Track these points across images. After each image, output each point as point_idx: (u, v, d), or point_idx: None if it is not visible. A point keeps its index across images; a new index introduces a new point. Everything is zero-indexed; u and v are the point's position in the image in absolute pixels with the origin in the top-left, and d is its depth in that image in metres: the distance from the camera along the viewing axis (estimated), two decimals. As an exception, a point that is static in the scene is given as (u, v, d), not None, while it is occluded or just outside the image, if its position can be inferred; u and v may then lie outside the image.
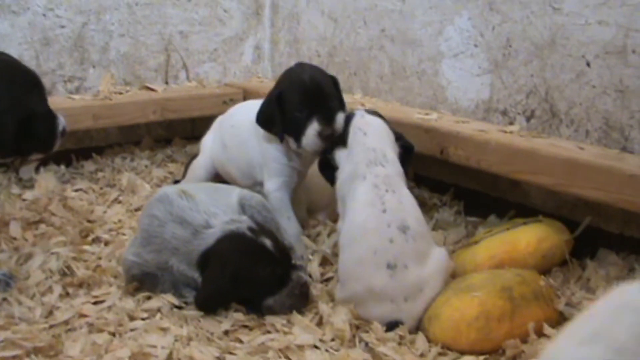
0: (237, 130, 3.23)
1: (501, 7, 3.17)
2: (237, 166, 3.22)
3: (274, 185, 3.07)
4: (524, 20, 3.09)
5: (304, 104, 2.88)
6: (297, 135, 2.90)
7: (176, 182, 3.52)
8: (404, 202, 2.55)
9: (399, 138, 2.78)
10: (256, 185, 3.12)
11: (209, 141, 3.40)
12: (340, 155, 2.75)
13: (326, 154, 2.83)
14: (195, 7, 4.29)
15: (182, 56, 4.31)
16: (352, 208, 2.58)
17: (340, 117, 2.85)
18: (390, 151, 2.69)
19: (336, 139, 2.80)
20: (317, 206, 3.31)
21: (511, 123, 3.18)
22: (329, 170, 2.82)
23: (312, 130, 2.84)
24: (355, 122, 2.76)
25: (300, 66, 3.07)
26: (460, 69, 3.38)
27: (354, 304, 2.44)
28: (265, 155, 3.09)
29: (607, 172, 2.61)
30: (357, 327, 2.39)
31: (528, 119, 3.13)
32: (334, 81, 3.01)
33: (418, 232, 2.48)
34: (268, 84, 4.35)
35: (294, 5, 4.32)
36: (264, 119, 3.01)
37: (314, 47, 4.19)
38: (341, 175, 2.71)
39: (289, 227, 3.01)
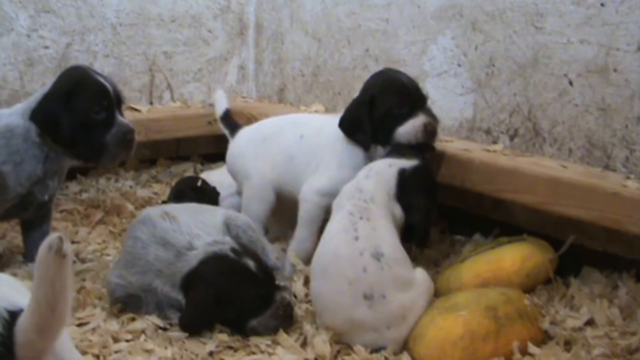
0: (311, 140, 3.12)
1: (484, 27, 3.19)
2: (306, 178, 3.07)
3: (325, 189, 2.96)
4: (507, 39, 3.11)
5: (405, 101, 2.91)
6: (390, 133, 2.91)
7: (164, 202, 3.43)
8: (377, 229, 2.52)
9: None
10: None
11: (256, 165, 3.21)
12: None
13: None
14: (179, 27, 4.30)
15: (166, 76, 4.31)
16: (325, 234, 2.57)
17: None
18: (380, 195, 2.66)
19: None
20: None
21: (495, 142, 3.19)
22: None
23: (419, 121, 2.89)
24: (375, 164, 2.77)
25: (390, 70, 3.12)
26: (443, 88, 3.39)
27: (335, 332, 2.41)
28: (342, 159, 3.01)
29: (590, 191, 2.61)
30: (338, 352, 2.38)
31: (511, 138, 3.14)
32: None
33: (393, 258, 2.45)
34: (253, 103, 4.38)
35: (278, 25, 4.33)
36: (350, 125, 2.97)
37: (298, 66, 4.20)
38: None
39: (309, 239, 2.99)
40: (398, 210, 2.68)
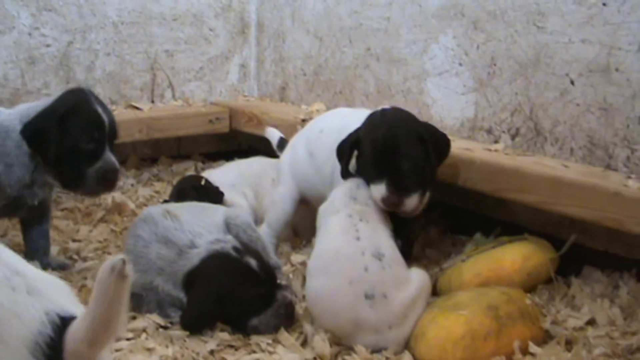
0: (326, 136, 2.98)
1: (485, 26, 3.19)
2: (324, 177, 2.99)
3: None
4: (508, 39, 3.11)
5: (376, 164, 2.65)
6: (368, 182, 2.67)
7: (165, 201, 3.42)
8: (377, 230, 2.53)
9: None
10: None
11: (286, 163, 3.21)
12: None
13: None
14: (181, 26, 4.30)
15: (167, 75, 4.31)
16: (323, 236, 2.57)
17: (412, 199, 2.65)
18: (373, 202, 2.65)
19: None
20: (302, 229, 3.30)
21: (496, 141, 3.19)
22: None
23: (378, 193, 2.62)
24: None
25: (383, 115, 2.76)
26: (445, 88, 3.39)
27: (335, 335, 2.40)
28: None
29: (592, 190, 2.61)
30: (339, 352, 2.37)
31: (513, 137, 3.14)
32: (420, 137, 2.70)
33: (393, 259, 2.46)
34: (254, 102, 4.38)
35: (279, 24, 4.33)
36: (339, 153, 2.80)
37: (299, 65, 4.20)
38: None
39: None
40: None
